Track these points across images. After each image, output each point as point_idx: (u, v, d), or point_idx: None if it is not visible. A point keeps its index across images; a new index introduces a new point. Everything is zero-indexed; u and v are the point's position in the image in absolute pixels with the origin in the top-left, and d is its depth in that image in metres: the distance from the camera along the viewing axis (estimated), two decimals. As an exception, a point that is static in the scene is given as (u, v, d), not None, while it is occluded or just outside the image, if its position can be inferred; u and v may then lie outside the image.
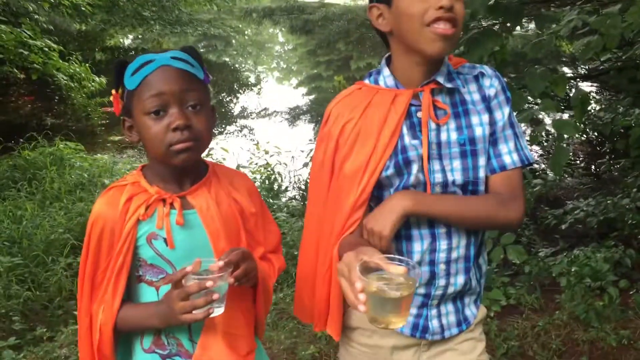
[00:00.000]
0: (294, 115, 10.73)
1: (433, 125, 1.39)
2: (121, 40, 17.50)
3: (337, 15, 7.38)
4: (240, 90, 14.59)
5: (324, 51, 14.63)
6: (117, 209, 1.36)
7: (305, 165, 6.35)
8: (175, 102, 1.30)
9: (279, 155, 6.60)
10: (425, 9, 1.29)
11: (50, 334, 3.31)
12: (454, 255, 1.43)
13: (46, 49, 8.25)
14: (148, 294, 1.40)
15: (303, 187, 6.11)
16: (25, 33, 7.85)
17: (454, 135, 1.40)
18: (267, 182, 5.97)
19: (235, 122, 10.97)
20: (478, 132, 1.40)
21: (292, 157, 6.73)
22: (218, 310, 1.27)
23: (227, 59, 18.79)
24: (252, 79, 16.48)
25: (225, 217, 1.41)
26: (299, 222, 4.73)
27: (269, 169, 6.25)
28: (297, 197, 6.05)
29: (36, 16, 9.00)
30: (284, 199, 5.85)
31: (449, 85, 1.40)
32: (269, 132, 8.97)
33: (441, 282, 1.44)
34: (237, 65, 18.39)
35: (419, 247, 1.42)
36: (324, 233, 1.48)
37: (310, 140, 9.10)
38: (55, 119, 9.10)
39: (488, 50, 3.09)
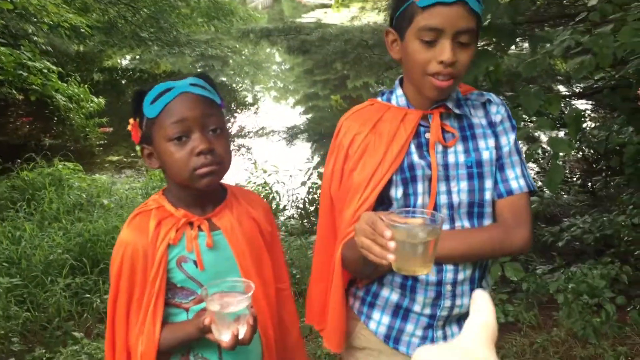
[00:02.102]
0: (292, 134, 10.77)
1: (440, 148, 1.43)
2: (119, 60, 17.61)
3: (334, 36, 7.45)
4: (238, 110, 14.63)
5: (321, 71, 14.72)
6: (147, 235, 1.37)
7: (303, 184, 6.38)
8: (197, 127, 1.34)
9: (276, 174, 6.62)
10: (428, 59, 1.33)
11: (49, 355, 3.30)
12: (461, 276, 1.44)
13: (45, 70, 8.29)
14: (178, 316, 1.41)
15: (301, 205, 6.12)
16: (25, 54, 7.90)
17: (461, 158, 1.43)
18: (265, 201, 5.98)
19: (233, 142, 11.01)
20: (485, 155, 1.44)
21: (290, 175, 6.75)
22: (242, 330, 1.27)
23: (224, 79, 18.87)
24: (249, 99, 16.55)
25: (248, 237, 1.45)
26: (297, 240, 4.74)
27: (267, 188, 6.27)
28: (295, 215, 6.07)
29: (35, 38, 9.07)
30: (282, 218, 5.87)
31: (457, 111, 1.44)
32: (267, 151, 9.01)
33: (447, 303, 1.45)
34: (234, 85, 18.47)
35: None
36: (329, 241, 1.53)
37: (308, 159, 9.14)
38: (53, 140, 9.13)
39: (483, 70, 3.14)
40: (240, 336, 1.25)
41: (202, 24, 15.08)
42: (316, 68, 13.51)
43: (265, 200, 1.67)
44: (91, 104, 9.22)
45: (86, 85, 9.48)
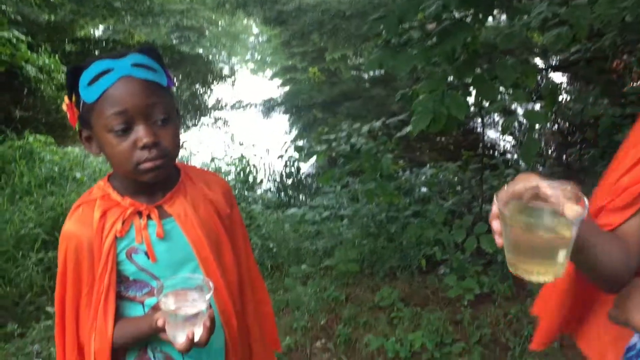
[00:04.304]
0: (269, 107, 10.69)
1: None
2: (92, 31, 17.21)
3: (311, 6, 7.38)
4: (214, 82, 14.47)
5: (298, 42, 14.57)
6: (91, 227, 1.26)
7: (280, 157, 6.34)
8: (141, 118, 1.19)
9: (253, 147, 6.58)
10: None
11: (21, 330, 3.25)
12: None
13: (14, 40, 8.08)
14: (132, 309, 1.32)
15: (278, 179, 6.10)
16: (-8, 24, 7.68)
17: None
18: (242, 174, 5.95)
19: (210, 114, 10.89)
20: None
21: (267, 149, 6.72)
22: (198, 332, 1.18)
23: (200, 51, 18.59)
24: (226, 71, 16.35)
25: (205, 222, 1.34)
26: (274, 214, 4.72)
27: (244, 161, 6.22)
28: (272, 189, 6.04)
29: (3, 7, 8.81)
30: (259, 191, 5.84)
31: None
32: (244, 124, 8.93)
33: None
34: (210, 57, 18.22)
35: None
36: None
37: (286, 132, 9.08)
38: (24, 112, 8.91)
39: (460, 42, 3.12)
40: (196, 339, 1.17)
41: (176, -7, 14.80)
42: (293, 39, 13.35)
43: (225, 180, 1.54)
44: (62, 75, 9.02)
45: (57, 56, 9.26)
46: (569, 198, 0.82)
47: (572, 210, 0.80)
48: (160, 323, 1.18)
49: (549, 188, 0.83)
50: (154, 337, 1.27)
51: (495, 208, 0.85)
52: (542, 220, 0.81)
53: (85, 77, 1.20)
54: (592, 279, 1.06)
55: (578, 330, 1.23)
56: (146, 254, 1.28)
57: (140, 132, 1.19)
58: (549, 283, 1.09)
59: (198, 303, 1.18)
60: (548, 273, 0.84)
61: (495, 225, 0.86)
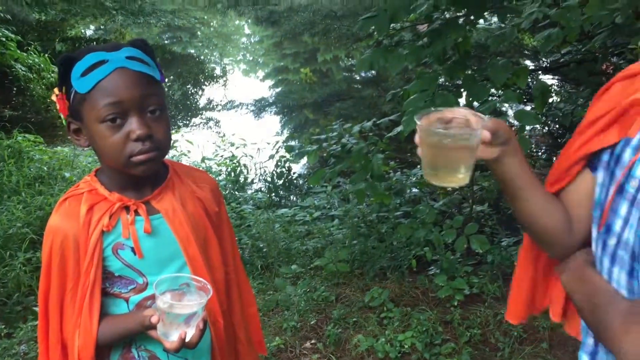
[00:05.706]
0: (260, 107, 10.67)
1: None
2: (82, 30, 17.11)
3: (303, 6, 7.38)
4: (206, 83, 14.41)
5: (290, 43, 14.55)
6: (78, 221, 1.24)
7: (271, 157, 6.32)
8: (134, 109, 1.19)
9: (244, 148, 6.56)
10: None
11: (8, 330, 3.23)
12: None
13: (3, 39, 8.02)
14: (117, 306, 1.31)
15: (269, 179, 6.08)
16: (-19, 22, 7.63)
17: None
18: (232, 174, 5.93)
19: (201, 115, 10.84)
20: None
21: (258, 149, 6.70)
22: (190, 333, 1.18)
23: (192, 51, 18.51)
24: (217, 71, 16.29)
25: (192, 219, 1.33)
26: (264, 214, 4.70)
27: (235, 161, 6.20)
28: (262, 189, 6.02)
29: (-7, 5, 8.76)
30: (249, 191, 5.82)
31: None
32: (235, 125, 8.90)
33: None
34: (202, 57, 18.15)
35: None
36: None
37: (277, 132, 9.06)
38: (13, 111, 8.82)
39: (451, 42, 3.12)
40: (187, 339, 1.17)
41: (168, -7, 14.75)
42: (285, 40, 13.33)
43: (213, 177, 1.54)
44: (52, 74, 8.96)
45: (47, 55, 9.19)
46: (471, 115, 1.00)
47: (474, 120, 0.98)
48: (154, 320, 1.17)
49: (452, 112, 1.00)
50: (139, 335, 1.26)
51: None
52: (450, 131, 0.97)
53: (79, 67, 1.19)
54: (535, 239, 1.18)
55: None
56: (133, 250, 1.27)
57: (134, 124, 1.19)
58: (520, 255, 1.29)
59: (195, 304, 1.18)
60: (455, 177, 0.99)
61: (417, 139, 1.00)
